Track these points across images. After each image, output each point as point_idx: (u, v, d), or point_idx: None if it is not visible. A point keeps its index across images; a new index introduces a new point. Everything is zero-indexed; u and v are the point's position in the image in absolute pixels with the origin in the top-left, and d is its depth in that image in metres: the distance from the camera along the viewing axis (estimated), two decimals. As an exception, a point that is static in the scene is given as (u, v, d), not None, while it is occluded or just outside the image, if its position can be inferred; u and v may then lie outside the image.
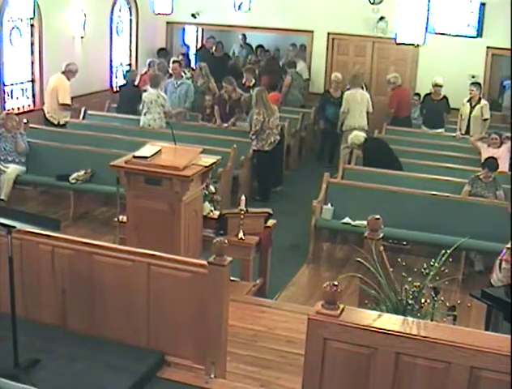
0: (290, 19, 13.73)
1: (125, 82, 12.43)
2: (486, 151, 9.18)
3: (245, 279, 6.47)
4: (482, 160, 8.68)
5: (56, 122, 10.52)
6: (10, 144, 9.13)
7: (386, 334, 3.76)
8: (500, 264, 6.08)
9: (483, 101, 10.96)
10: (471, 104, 10.88)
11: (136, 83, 12.01)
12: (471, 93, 10.81)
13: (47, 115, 10.58)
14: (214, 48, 15.24)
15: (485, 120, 10.91)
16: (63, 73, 10.48)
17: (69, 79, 10.50)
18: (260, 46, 16.08)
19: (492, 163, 8.19)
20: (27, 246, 5.06)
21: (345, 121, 11.33)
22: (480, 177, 8.18)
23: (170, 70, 11.64)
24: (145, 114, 10.40)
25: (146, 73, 12.65)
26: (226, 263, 4.56)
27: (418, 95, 12.46)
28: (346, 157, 10.54)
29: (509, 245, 6.07)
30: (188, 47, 16.30)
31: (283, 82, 13.22)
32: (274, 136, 10.02)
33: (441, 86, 11.22)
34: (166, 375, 4.74)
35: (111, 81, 13.44)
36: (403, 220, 7.81)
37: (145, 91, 10.79)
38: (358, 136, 9.32)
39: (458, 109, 11.20)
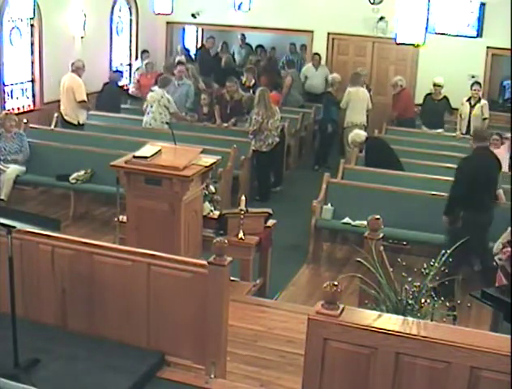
0: (290, 19, 13.72)
1: (108, 81, 12.40)
2: None
3: (245, 280, 6.46)
4: None
5: (75, 123, 10.43)
6: (10, 144, 9.14)
7: (386, 334, 3.76)
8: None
9: (483, 100, 11.02)
10: (470, 104, 10.91)
11: (121, 83, 12.25)
12: (476, 92, 10.86)
13: (65, 117, 10.47)
14: (220, 48, 15.27)
15: (485, 119, 10.96)
16: (73, 72, 10.43)
17: (80, 76, 10.46)
18: (260, 46, 16.08)
19: None
20: (27, 246, 5.06)
21: (346, 118, 11.39)
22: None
23: (175, 72, 11.63)
24: (148, 113, 10.42)
25: (147, 75, 12.72)
26: (226, 263, 4.56)
27: (419, 105, 12.35)
28: (350, 154, 10.53)
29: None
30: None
31: (282, 81, 13.22)
32: (272, 138, 9.99)
33: (440, 86, 11.23)
34: (166, 375, 4.74)
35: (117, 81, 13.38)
36: (403, 220, 7.80)
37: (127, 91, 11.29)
38: (359, 135, 9.32)
39: (457, 109, 11.22)
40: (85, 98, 10.44)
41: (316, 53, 13.52)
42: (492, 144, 9.40)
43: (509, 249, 5.83)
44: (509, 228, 6.05)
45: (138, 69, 13.41)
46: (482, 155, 7.41)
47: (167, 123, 9.27)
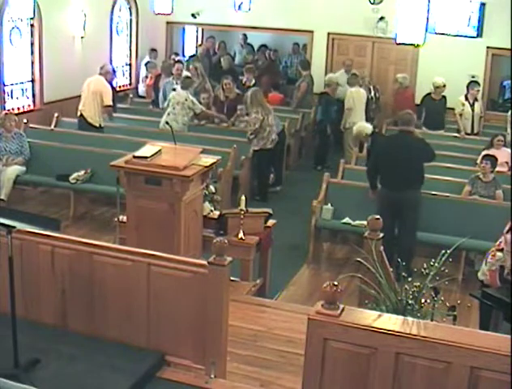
0: (290, 19, 13.72)
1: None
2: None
3: (245, 280, 6.47)
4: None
5: (97, 125, 10.25)
6: (10, 144, 9.14)
7: (386, 334, 3.76)
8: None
9: (480, 99, 11.10)
10: (469, 103, 10.93)
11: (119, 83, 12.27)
12: (477, 92, 10.93)
13: (87, 119, 10.20)
14: (216, 47, 15.28)
15: (481, 117, 11.04)
16: (101, 75, 10.28)
17: (107, 81, 10.35)
18: (263, 46, 16.07)
19: (491, 158, 8.20)
20: (27, 246, 5.06)
21: (347, 119, 11.38)
22: (479, 175, 8.17)
23: (173, 71, 11.62)
24: (168, 114, 10.20)
25: (151, 77, 12.75)
26: (226, 263, 4.56)
27: (417, 105, 12.30)
28: (350, 155, 10.55)
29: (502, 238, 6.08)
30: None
31: (282, 81, 13.16)
32: (274, 134, 10.00)
33: (444, 86, 11.18)
34: (166, 375, 4.74)
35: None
36: (403, 219, 7.80)
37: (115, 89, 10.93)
38: (367, 127, 9.27)
39: (452, 109, 11.19)
40: (111, 103, 10.31)
41: (349, 62, 13.12)
42: (496, 145, 9.38)
43: None
44: (508, 237, 6.02)
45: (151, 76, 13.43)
46: (402, 137, 7.74)
47: (166, 123, 9.24)
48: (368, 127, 9.30)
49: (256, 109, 9.86)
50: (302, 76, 12.80)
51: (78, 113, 10.31)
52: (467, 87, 11.14)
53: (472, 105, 10.99)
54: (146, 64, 13.30)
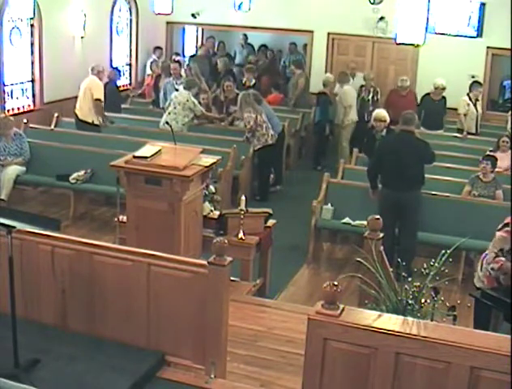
0: (290, 19, 13.72)
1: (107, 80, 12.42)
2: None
3: (245, 280, 6.47)
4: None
5: (90, 121, 10.33)
6: (10, 145, 9.13)
7: (386, 334, 3.76)
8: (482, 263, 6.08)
9: (480, 99, 11.13)
10: (472, 103, 10.96)
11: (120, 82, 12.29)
12: (480, 93, 10.94)
13: (80, 116, 10.35)
14: (216, 48, 15.27)
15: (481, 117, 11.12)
16: (93, 75, 10.40)
17: (101, 80, 10.48)
18: (263, 46, 16.06)
19: (491, 158, 8.20)
20: (27, 246, 5.06)
21: (345, 116, 11.40)
22: (479, 175, 8.17)
23: (171, 71, 11.63)
24: (169, 113, 10.20)
25: (152, 77, 12.76)
26: (226, 263, 4.56)
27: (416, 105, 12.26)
28: (345, 151, 10.57)
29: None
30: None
31: (282, 81, 13.14)
32: (271, 129, 9.99)
33: (444, 88, 11.14)
34: (166, 375, 4.74)
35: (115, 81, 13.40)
36: (403, 219, 7.80)
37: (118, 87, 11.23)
38: (386, 116, 9.06)
39: (455, 109, 11.19)
40: (101, 98, 10.37)
41: (353, 65, 13.00)
42: (501, 147, 9.35)
43: (501, 258, 5.80)
44: (497, 234, 6.02)
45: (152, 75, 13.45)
46: (402, 136, 7.80)
47: (166, 123, 9.25)
48: (387, 116, 9.07)
49: (247, 109, 9.87)
50: (296, 74, 12.78)
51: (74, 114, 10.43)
52: (470, 87, 11.12)
53: (474, 105, 11.00)
54: (151, 63, 13.28)
